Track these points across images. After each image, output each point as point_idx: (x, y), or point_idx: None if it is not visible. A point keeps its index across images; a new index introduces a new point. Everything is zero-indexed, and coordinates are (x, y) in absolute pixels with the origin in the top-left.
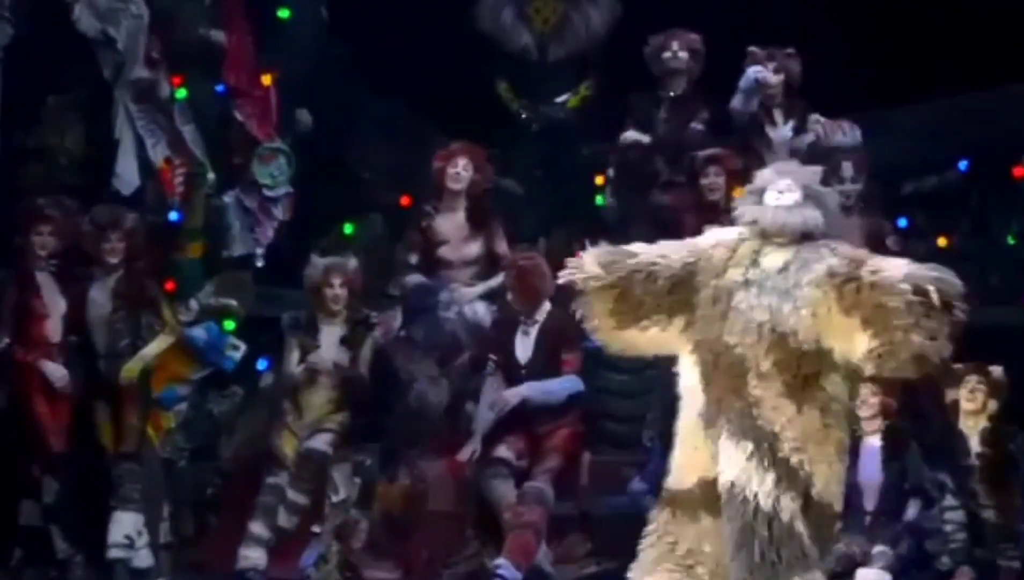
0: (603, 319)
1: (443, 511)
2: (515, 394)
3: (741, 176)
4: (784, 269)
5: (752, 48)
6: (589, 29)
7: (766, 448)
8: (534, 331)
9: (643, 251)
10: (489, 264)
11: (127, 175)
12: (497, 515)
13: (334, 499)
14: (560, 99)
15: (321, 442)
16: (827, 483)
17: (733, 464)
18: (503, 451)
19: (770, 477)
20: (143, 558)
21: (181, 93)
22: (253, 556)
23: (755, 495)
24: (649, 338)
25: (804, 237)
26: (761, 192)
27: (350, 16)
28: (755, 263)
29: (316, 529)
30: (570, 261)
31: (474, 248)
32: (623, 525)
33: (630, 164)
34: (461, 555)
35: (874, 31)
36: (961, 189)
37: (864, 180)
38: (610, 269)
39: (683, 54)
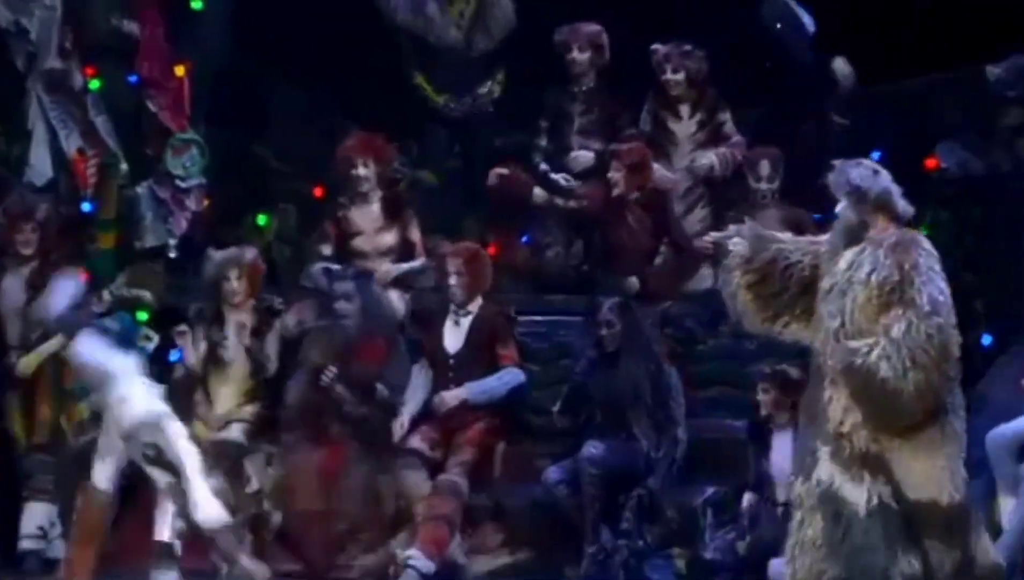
0: (744, 293)
1: (309, 509)
2: (454, 396)
3: (640, 169)
4: (847, 269)
5: (655, 46)
6: (504, 20)
7: (837, 448)
8: (466, 322)
9: (782, 242)
10: (404, 253)
11: (40, 165)
12: (409, 506)
13: (247, 490)
14: (477, 91)
15: (235, 432)
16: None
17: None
18: (416, 442)
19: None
20: (56, 549)
21: (94, 84)
22: None
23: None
24: (782, 328)
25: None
26: None
27: (262, 6)
28: (833, 272)
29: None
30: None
31: (389, 238)
32: (537, 515)
33: None
34: (375, 547)
35: None
36: None
37: (780, 178)
38: (756, 251)
39: (584, 55)
